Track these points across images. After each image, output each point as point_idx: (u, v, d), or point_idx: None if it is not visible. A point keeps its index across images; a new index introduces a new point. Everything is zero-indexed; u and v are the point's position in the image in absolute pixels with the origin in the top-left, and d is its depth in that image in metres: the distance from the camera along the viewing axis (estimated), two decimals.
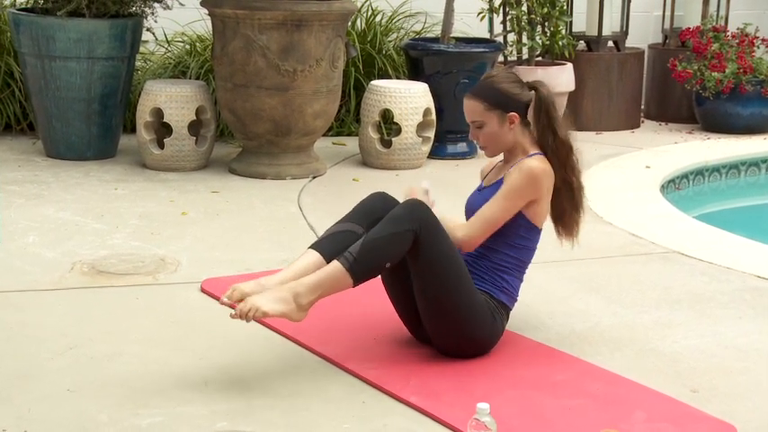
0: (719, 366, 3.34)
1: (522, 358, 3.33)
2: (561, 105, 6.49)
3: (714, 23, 7.56)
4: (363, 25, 7.13)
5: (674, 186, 6.19)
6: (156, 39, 6.53)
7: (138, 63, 6.48)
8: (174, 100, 5.69)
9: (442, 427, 2.87)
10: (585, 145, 6.62)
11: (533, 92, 3.39)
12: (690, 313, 3.81)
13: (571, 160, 3.39)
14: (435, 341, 3.32)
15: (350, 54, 5.86)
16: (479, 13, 6.97)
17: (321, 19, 5.50)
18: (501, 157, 3.48)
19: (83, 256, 4.25)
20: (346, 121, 6.83)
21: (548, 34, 6.89)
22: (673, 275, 4.23)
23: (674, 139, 7.11)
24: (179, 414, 2.90)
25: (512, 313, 3.44)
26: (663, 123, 7.69)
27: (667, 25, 7.95)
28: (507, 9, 6.91)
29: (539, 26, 6.87)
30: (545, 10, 6.80)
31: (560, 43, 6.92)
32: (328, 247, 3.26)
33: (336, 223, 3.36)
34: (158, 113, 5.72)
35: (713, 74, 7.17)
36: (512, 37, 6.97)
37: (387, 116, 6.05)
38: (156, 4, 6.12)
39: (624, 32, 7.69)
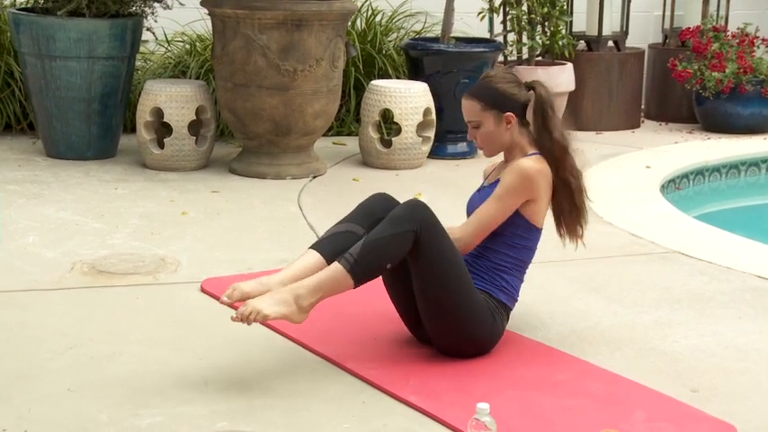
0: (719, 366, 3.34)
1: (522, 358, 3.33)
2: (561, 105, 6.49)
3: (714, 23, 7.56)
4: (363, 25, 7.13)
5: (675, 186, 6.19)
6: (157, 38, 6.53)
7: (138, 63, 6.47)
8: (174, 100, 5.69)
9: (442, 427, 2.87)
10: (585, 145, 6.61)
11: (532, 92, 3.39)
12: (690, 313, 3.81)
13: (566, 160, 3.36)
14: (435, 341, 3.32)
15: (350, 54, 5.86)
16: (479, 13, 6.97)
17: (321, 19, 5.50)
18: (502, 156, 3.49)
19: (83, 255, 4.25)
20: (346, 120, 6.83)
21: (548, 34, 6.89)
22: (673, 275, 4.23)
23: (675, 139, 7.11)
24: (179, 414, 2.90)
25: (512, 313, 3.44)
26: (663, 123, 7.69)
27: (667, 25, 7.95)
28: (507, 9, 6.91)
29: (539, 26, 6.87)
30: (545, 10, 6.80)
31: (560, 43, 6.92)
32: (329, 247, 3.26)
33: (337, 224, 3.36)
34: (158, 113, 5.72)
35: (713, 74, 7.17)
36: (512, 37, 6.97)
37: (387, 116, 6.05)
38: (156, 4, 6.12)
39: (624, 32, 7.69)
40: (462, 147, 6.32)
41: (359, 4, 6.85)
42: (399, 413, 2.95)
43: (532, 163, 3.32)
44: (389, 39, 7.09)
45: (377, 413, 2.95)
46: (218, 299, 3.33)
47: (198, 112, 5.75)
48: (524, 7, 6.85)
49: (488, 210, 3.31)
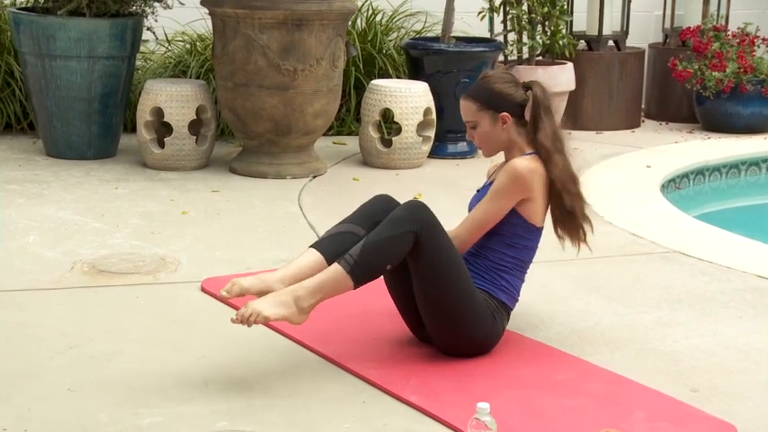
0: (720, 366, 3.34)
1: (522, 358, 3.33)
2: (562, 105, 6.48)
3: (714, 23, 7.56)
4: (364, 24, 7.13)
5: (675, 186, 6.19)
6: (157, 38, 6.53)
7: (138, 62, 6.48)
8: (174, 99, 5.69)
9: (443, 427, 2.87)
10: (586, 144, 6.66)
11: (529, 92, 3.39)
12: (690, 313, 3.81)
13: (555, 162, 3.34)
14: (436, 341, 3.32)
15: (350, 53, 5.86)
16: (480, 13, 6.97)
17: (321, 18, 5.50)
18: (503, 156, 3.49)
19: (83, 255, 4.25)
20: (347, 120, 6.83)
21: (548, 34, 6.89)
22: (673, 275, 4.23)
23: (675, 139, 7.11)
24: (179, 414, 2.90)
25: (512, 313, 3.43)
26: (663, 123, 7.69)
27: (668, 24, 7.95)
28: (508, 8, 6.91)
29: (539, 25, 6.87)
30: (545, 9, 6.80)
31: (561, 43, 6.91)
32: (329, 247, 3.27)
33: (338, 224, 3.36)
34: (159, 113, 5.72)
35: (714, 73, 7.17)
36: (512, 36, 6.97)
37: (387, 115, 6.05)
38: (156, 4, 6.12)
39: (624, 32, 7.69)
40: (462, 146, 6.32)
41: (359, 4, 6.85)
42: (400, 413, 2.95)
43: (526, 162, 3.32)
44: (390, 38, 7.09)
45: (377, 413, 2.95)
46: (218, 298, 3.33)
47: (198, 111, 5.75)
48: (525, 7, 6.84)
49: (483, 209, 3.32)
